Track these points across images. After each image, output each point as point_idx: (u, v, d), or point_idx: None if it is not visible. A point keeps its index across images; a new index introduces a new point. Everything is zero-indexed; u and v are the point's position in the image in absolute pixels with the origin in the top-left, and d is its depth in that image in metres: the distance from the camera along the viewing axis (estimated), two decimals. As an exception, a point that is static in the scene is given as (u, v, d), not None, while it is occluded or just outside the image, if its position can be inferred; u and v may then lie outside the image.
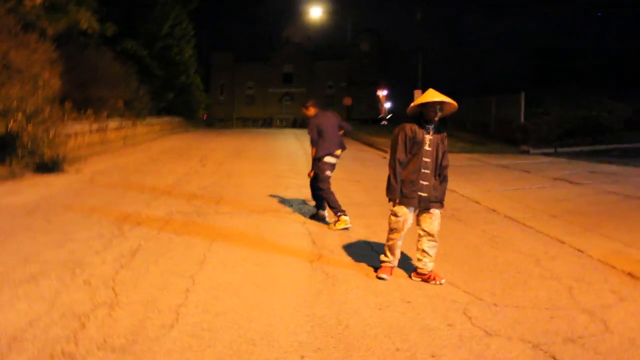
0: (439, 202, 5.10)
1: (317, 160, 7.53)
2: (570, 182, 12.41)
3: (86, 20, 19.44)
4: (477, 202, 9.77)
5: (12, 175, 10.59)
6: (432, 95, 4.84)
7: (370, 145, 24.43)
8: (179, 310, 4.05)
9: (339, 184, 11.50)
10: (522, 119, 22.47)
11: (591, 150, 20.53)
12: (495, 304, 4.53)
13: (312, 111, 7.68)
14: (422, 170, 4.94)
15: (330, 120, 7.65)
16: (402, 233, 5.10)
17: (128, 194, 9.30)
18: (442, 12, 76.08)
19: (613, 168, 15.09)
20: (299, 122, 63.39)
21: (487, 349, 3.64)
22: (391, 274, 5.12)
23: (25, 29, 13.56)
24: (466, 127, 28.39)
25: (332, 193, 7.51)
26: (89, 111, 19.47)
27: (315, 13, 42.37)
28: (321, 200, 7.74)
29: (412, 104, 5.01)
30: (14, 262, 5.14)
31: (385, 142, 24.14)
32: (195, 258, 5.50)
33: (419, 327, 3.98)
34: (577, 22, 48.98)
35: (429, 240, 5.10)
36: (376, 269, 5.26)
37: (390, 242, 5.12)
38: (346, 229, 7.25)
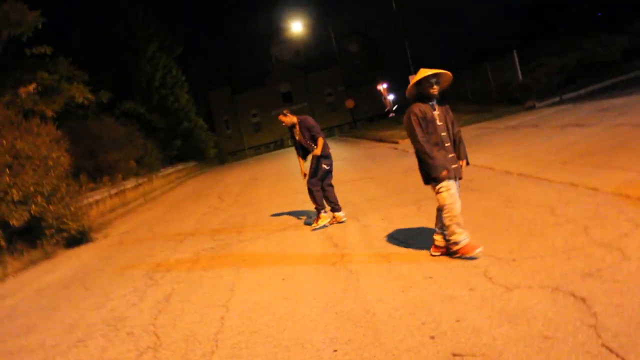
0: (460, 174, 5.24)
1: (323, 158, 7.83)
2: (578, 126, 12.42)
3: (80, 94, 20.04)
4: (490, 168, 9.86)
5: (46, 256, 11.02)
6: (424, 71, 4.97)
7: (380, 140, 24.58)
8: (217, 337, 4.30)
9: (355, 185, 11.78)
10: (520, 77, 22.44)
11: (595, 88, 20.38)
12: (514, 260, 4.68)
13: (291, 117, 7.99)
14: (445, 144, 5.05)
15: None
16: (459, 204, 5.08)
17: (155, 244, 9.62)
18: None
19: (618, 101, 15.03)
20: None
21: (509, 303, 3.80)
22: (475, 247, 4.98)
23: (25, 116, 14.08)
24: (468, 98, 28.37)
25: (319, 190, 7.91)
26: (105, 178, 20.05)
27: (297, 28, 42.80)
28: (331, 201, 7.93)
29: (408, 87, 5.11)
30: (61, 331, 5.46)
31: (394, 133, 24.32)
32: (225, 287, 5.75)
33: (441, 298, 4.15)
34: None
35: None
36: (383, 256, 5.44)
37: (455, 219, 5.02)
38: (325, 225, 7.74)
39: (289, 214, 9.80)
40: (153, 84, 34.99)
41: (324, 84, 69.32)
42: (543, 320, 3.42)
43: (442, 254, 5.20)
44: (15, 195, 10.48)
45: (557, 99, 20.50)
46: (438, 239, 5.23)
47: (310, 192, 7.91)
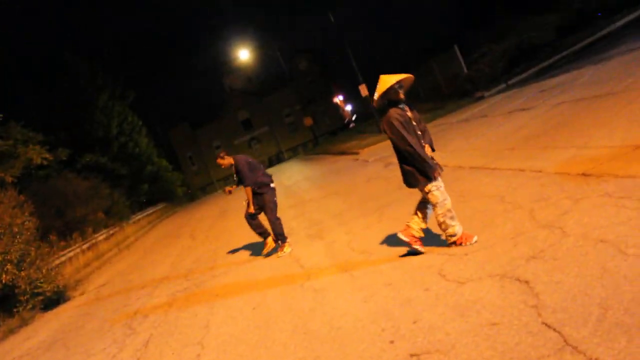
0: None
1: (267, 190, 8.15)
2: (523, 110, 12.87)
3: (37, 155, 20.00)
4: (444, 165, 10.14)
5: (24, 322, 10.97)
6: (388, 80, 5.10)
7: (342, 153, 24.89)
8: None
9: (320, 202, 12.00)
10: (465, 70, 23.03)
11: (537, 70, 21.02)
12: (465, 254, 4.93)
13: (228, 159, 8.20)
14: (422, 143, 5.22)
15: (249, 158, 8.33)
16: (449, 199, 5.27)
17: (132, 293, 9.68)
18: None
19: (558, 79, 15.56)
20: (275, 159, 64.10)
21: (461, 297, 4.04)
22: (471, 236, 5.20)
23: (-16, 186, 14.04)
24: (420, 96, 28.94)
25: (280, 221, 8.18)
26: (75, 234, 19.93)
27: (244, 55, 43.02)
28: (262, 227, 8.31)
29: (375, 97, 5.23)
30: (45, 397, 5.53)
31: (354, 144, 24.68)
32: (200, 325, 5.91)
33: (400, 302, 4.38)
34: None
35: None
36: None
37: (449, 213, 5.19)
38: (289, 251, 8.02)
39: (258, 243, 9.98)
40: (110, 132, 34.89)
41: (281, 106, 69.59)
42: (491, 308, 3.66)
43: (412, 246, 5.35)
44: (-16, 266, 10.46)
45: (503, 85, 21.10)
46: (415, 228, 5.38)
47: (275, 227, 8.10)
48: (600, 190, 5.20)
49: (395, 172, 12.01)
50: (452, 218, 5.20)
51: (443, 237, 5.36)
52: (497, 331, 3.32)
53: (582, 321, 3.08)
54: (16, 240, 11.51)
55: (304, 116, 52.05)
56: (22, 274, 11.22)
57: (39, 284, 11.45)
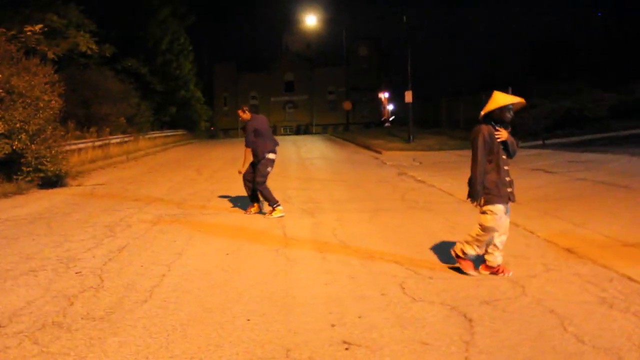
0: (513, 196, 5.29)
1: (262, 159, 8.40)
2: (546, 172, 13.04)
3: (85, 43, 20.40)
4: (451, 195, 10.42)
5: (19, 191, 11.46)
6: (503, 99, 5.02)
7: (367, 147, 25.09)
8: (153, 290, 4.82)
9: (326, 184, 12.31)
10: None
11: (578, 140, 21.07)
12: (431, 277, 5.23)
13: (248, 115, 8.48)
14: (504, 168, 5.13)
15: (265, 123, 8.64)
16: (496, 232, 5.21)
17: (124, 202, 10.08)
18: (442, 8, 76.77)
19: (591, 156, 15.70)
20: (303, 129, 64.38)
21: (408, 311, 4.34)
22: (473, 267, 5.27)
23: (27, 54, 14.44)
24: (460, 125, 29.01)
25: (267, 187, 8.42)
26: (92, 128, 20.40)
27: (311, 21, 43.15)
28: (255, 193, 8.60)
29: (488, 109, 5.09)
30: (17, 260, 5.96)
31: (381, 143, 24.87)
32: (175, 250, 6.27)
33: (355, 296, 4.69)
34: (579, 14, 49.13)
35: (501, 235, 5.27)
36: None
37: (483, 241, 5.19)
38: (282, 216, 8.29)
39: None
40: (159, 47, 35.29)
41: (328, 81, 69.69)
42: (429, 330, 3.96)
43: (491, 273, 5.29)
44: (1, 128, 10.90)
45: (540, 142, 21.17)
46: (490, 259, 5.33)
47: (260, 191, 8.43)
48: (573, 268, 5.45)
49: (405, 182, 12.30)
50: (479, 246, 5.22)
51: (452, 253, 5.42)
52: (425, 350, 3.62)
53: (499, 368, 3.37)
54: (38, 115, 11.94)
55: (345, 99, 52.29)
56: (33, 146, 11.67)
57: (44, 162, 11.90)
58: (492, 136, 5.06)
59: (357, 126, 57.32)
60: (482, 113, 5.16)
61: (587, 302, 4.53)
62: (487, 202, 5.18)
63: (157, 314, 4.24)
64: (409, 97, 24.79)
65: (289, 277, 5.24)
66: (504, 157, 5.16)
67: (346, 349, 3.64)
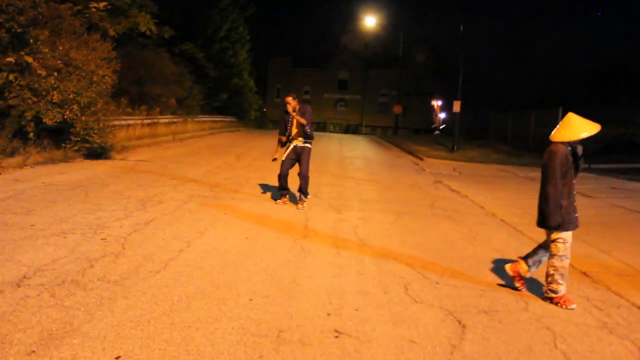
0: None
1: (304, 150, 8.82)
2: (584, 195, 12.84)
3: (145, 23, 21.04)
4: (481, 207, 10.43)
5: (66, 159, 12.05)
6: (580, 127, 4.86)
7: (410, 152, 25.07)
8: (168, 263, 5.11)
9: (359, 184, 12.47)
10: (559, 135, 22.66)
11: (626, 168, 20.55)
12: (437, 282, 5.35)
13: (296, 103, 8.75)
14: (574, 192, 5.06)
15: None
16: (568, 260, 5.11)
17: (161, 179, 10.49)
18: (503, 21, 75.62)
19: (635, 185, 15.37)
20: (352, 129, 64.45)
21: (406, 311, 4.49)
22: (570, 302, 5.02)
23: (89, 30, 15.09)
24: (507, 140, 28.63)
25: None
26: (143, 107, 21.06)
27: (370, 22, 43.22)
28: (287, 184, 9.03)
29: (568, 138, 4.91)
30: (51, 221, 6.36)
31: (424, 150, 24.79)
32: (198, 229, 6.57)
33: (357, 291, 4.87)
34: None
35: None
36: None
37: (561, 270, 5.04)
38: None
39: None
40: (218, 34, 35.97)
41: (382, 84, 69.51)
42: (421, 330, 4.10)
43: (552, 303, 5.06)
44: (55, 97, 11.48)
45: (586, 165, 20.73)
46: (523, 268, 5.26)
47: (306, 180, 8.72)
48: (584, 291, 5.50)
49: (439, 190, 12.34)
50: (562, 276, 5.03)
51: (543, 289, 5.20)
52: (411, 348, 3.77)
53: (478, 372, 3.50)
54: (91, 88, 12.50)
55: (397, 103, 52.09)
56: (83, 118, 12.23)
57: (91, 133, 12.46)
58: (568, 159, 4.91)
59: (406, 131, 57.07)
60: (560, 139, 4.95)
61: (587, 324, 4.59)
62: (560, 230, 5.00)
63: (167, 285, 4.52)
64: (457, 107, 24.67)
65: (299, 266, 5.45)
66: (574, 181, 5.05)
67: (336, 337, 3.83)
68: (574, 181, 5.06)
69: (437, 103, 72.92)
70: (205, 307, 4.12)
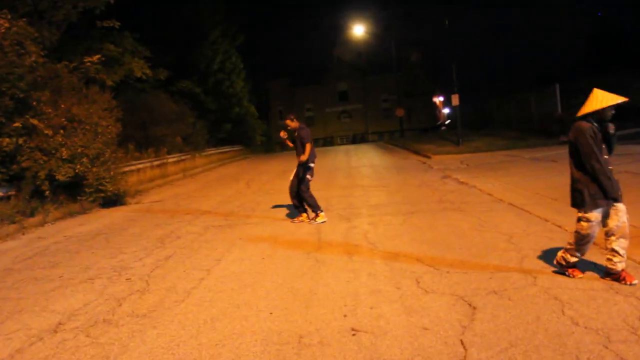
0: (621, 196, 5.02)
1: (307, 166, 9.04)
2: (591, 167, 12.99)
3: (139, 68, 21.69)
4: (489, 194, 10.64)
5: (83, 210, 12.48)
6: (612, 98, 4.87)
7: (416, 152, 25.28)
8: (191, 291, 5.43)
9: (368, 190, 12.75)
10: (560, 111, 22.81)
11: (634, 132, 20.61)
12: (447, 272, 5.59)
13: (296, 123, 9.17)
14: (610, 168, 5.00)
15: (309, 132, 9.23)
16: (593, 238, 5.10)
17: (176, 216, 10.84)
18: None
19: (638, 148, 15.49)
20: (359, 138, 64.73)
21: (418, 302, 4.75)
22: (579, 272, 5.15)
23: (87, 83, 15.63)
24: (512, 125, 28.79)
25: (311, 195, 9.08)
26: (150, 149, 21.57)
27: (358, 31, 43.76)
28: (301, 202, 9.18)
29: (593, 108, 4.90)
30: (77, 270, 6.74)
31: (431, 148, 25.01)
32: (215, 257, 6.90)
33: (370, 290, 5.13)
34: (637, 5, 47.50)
35: (619, 238, 4.99)
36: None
37: (580, 246, 5.10)
38: (324, 221, 8.88)
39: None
40: (212, 67, 36.67)
41: (382, 89, 69.83)
42: (433, 317, 4.36)
43: (613, 280, 4.98)
44: (65, 153, 11.95)
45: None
46: (610, 265, 5.03)
47: (304, 199, 8.99)
48: (592, 259, 5.68)
49: (447, 185, 12.55)
50: (578, 250, 5.10)
51: (555, 262, 5.37)
52: (423, 334, 4.02)
53: (488, 347, 3.74)
54: (97, 139, 12.96)
55: (399, 106, 52.38)
56: (94, 169, 12.68)
57: (104, 182, 12.88)
58: (596, 134, 4.91)
59: (413, 132, 57.34)
60: (585, 112, 4.97)
61: (594, 289, 4.80)
62: (587, 210, 5.01)
63: (192, 311, 4.83)
64: (455, 100, 24.92)
65: (314, 277, 5.73)
66: (606, 156, 5.01)
67: (353, 334, 4.10)
68: (606, 156, 5.00)
69: (438, 99, 73.18)
70: (229, 326, 4.41)
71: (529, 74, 51.07)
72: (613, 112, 4.98)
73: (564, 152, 17.58)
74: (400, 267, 5.89)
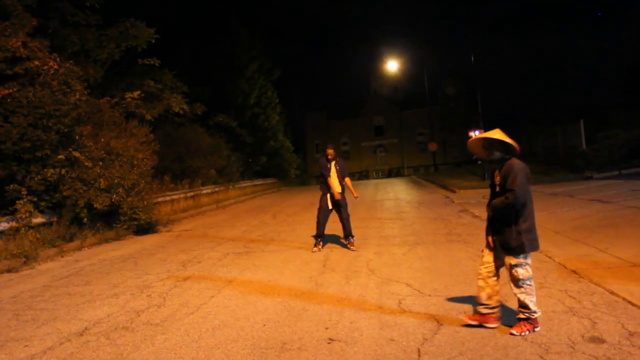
0: None
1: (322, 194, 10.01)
2: (601, 202, 13.39)
3: (177, 104, 23.05)
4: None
5: (117, 237, 13.50)
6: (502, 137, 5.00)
7: (443, 186, 25.75)
8: (200, 307, 6.23)
9: (384, 223, 13.39)
10: (584, 146, 23.08)
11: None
12: (429, 295, 6.24)
13: (335, 153, 9.96)
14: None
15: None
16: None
17: (201, 243, 11.72)
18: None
19: (656, 186, 15.76)
20: (394, 172, 65.17)
21: (394, 318, 5.41)
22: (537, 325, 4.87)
23: (127, 117, 16.91)
24: (538, 157, 29.01)
25: (319, 221, 10.02)
26: (185, 181, 22.73)
27: (392, 67, 44.84)
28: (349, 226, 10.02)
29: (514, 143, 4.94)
30: (106, 288, 7.66)
31: (457, 183, 25.47)
32: (227, 279, 7.70)
33: (356, 309, 5.83)
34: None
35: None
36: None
37: (533, 294, 4.94)
38: (314, 252, 9.70)
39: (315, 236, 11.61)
40: (248, 101, 38.17)
41: (417, 122, 70.28)
42: (402, 331, 5.02)
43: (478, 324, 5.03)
44: (102, 184, 13.04)
45: (616, 172, 21.01)
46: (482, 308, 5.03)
47: (348, 222, 9.95)
48: (565, 286, 6.28)
49: (461, 218, 13.10)
50: (532, 301, 4.87)
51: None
52: (388, 344, 4.70)
53: (439, 355, 4.39)
54: (132, 171, 14.05)
55: (434, 140, 52.82)
56: (128, 199, 13.73)
57: (137, 211, 13.90)
58: (527, 171, 5.02)
59: (448, 166, 57.56)
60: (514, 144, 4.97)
61: (555, 311, 5.38)
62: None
63: (197, 322, 5.63)
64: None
65: (310, 297, 6.44)
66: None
67: (328, 343, 4.80)
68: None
69: (474, 133, 73.06)
70: (227, 334, 5.18)
71: (567, 104, 50.85)
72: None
73: (584, 188, 18.02)
74: (388, 290, 6.55)
